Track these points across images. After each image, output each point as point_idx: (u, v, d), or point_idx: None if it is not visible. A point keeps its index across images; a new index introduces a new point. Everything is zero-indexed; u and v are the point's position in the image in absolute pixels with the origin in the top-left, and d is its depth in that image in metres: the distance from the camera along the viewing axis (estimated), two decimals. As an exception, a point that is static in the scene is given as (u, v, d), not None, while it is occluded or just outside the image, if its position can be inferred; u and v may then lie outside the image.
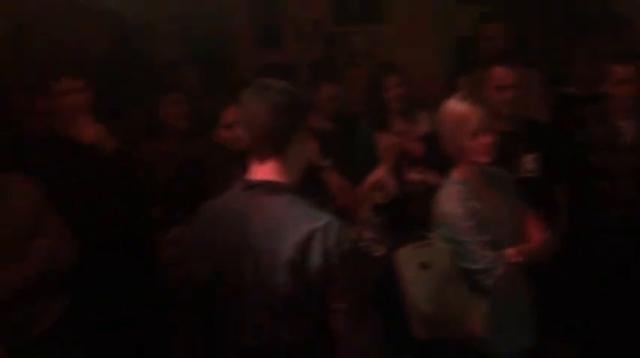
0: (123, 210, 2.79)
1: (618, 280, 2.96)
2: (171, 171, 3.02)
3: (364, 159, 3.08)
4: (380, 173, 2.84)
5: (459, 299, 2.23)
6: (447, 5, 4.34)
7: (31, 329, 2.29)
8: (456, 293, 2.22)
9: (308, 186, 2.69)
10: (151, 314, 2.70)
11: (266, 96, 1.65)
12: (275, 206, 1.64)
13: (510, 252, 2.25)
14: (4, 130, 2.86)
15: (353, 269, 1.63)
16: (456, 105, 2.30)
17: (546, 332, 2.45)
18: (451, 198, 2.27)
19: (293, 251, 1.57)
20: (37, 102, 2.99)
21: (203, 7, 4.70)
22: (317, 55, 4.32)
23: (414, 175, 2.76)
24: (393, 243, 2.39)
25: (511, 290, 2.30)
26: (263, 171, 1.68)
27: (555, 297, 2.82)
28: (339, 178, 2.83)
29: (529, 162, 2.86)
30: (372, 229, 2.49)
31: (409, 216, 2.56)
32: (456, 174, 2.34)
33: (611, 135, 2.99)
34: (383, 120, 3.26)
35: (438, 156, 2.42)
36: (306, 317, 1.62)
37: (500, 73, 2.82)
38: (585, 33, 3.89)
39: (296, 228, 1.58)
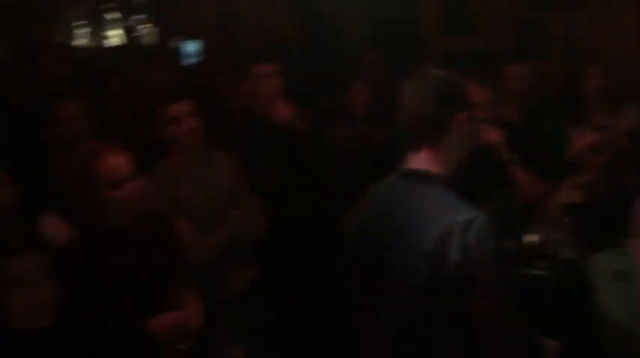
0: (311, 191, 2.93)
1: None
2: (351, 155, 3.11)
3: (555, 154, 2.89)
4: (590, 138, 2.56)
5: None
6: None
7: (221, 293, 2.50)
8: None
9: (494, 180, 2.60)
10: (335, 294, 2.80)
11: (421, 86, 1.64)
12: (422, 196, 1.63)
13: None
14: (211, 110, 3.14)
15: (497, 268, 1.56)
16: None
17: None
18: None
19: (433, 243, 1.55)
20: (238, 85, 3.25)
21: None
22: (510, 43, 4.13)
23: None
24: (585, 248, 2.22)
25: None
26: (416, 161, 1.67)
27: None
28: (526, 173, 2.69)
29: None
30: (561, 230, 2.33)
31: (607, 220, 2.34)
32: (665, 178, 2.11)
33: None
34: (580, 113, 3.03)
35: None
36: (445, 311, 1.59)
37: None
38: None
39: (438, 220, 1.56)
